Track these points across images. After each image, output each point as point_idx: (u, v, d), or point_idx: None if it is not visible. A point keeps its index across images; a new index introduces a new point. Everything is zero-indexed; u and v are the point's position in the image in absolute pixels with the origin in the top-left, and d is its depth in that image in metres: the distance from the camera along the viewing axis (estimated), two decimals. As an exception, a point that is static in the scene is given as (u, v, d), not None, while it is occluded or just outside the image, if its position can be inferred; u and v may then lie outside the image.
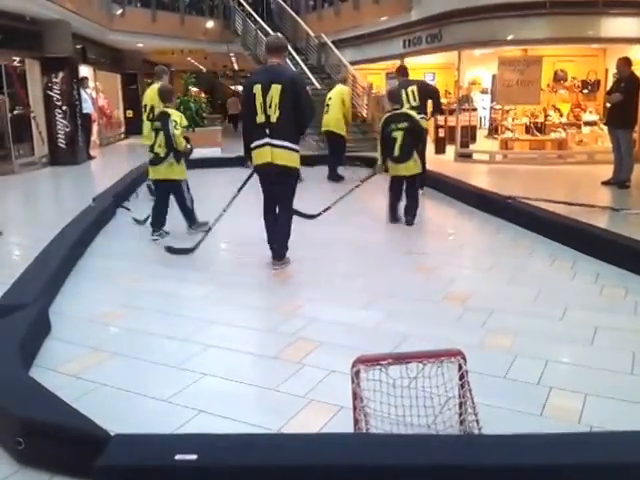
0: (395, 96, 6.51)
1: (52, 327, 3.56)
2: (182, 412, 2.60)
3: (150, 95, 6.85)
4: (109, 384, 2.87)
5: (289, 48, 8.72)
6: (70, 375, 2.97)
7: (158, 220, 5.86)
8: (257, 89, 4.51)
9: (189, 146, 5.75)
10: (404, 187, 6.34)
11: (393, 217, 6.37)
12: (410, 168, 6.20)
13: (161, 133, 5.63)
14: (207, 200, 6.75)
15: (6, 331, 3.15)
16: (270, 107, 4.47)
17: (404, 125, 6.07)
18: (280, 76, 4.54)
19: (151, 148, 5.74)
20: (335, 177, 9.54)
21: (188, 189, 5.95)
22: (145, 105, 6.98)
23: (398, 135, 6.07)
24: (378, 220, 6.42)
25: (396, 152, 6.11)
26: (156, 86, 6.66)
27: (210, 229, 5.50)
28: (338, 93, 9.57)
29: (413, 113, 6.44)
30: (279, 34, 5.31)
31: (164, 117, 5.68)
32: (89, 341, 3.39)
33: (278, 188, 4.75)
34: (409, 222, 6.25)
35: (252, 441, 2.18)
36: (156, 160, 5.70)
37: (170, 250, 5.26)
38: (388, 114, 6.30)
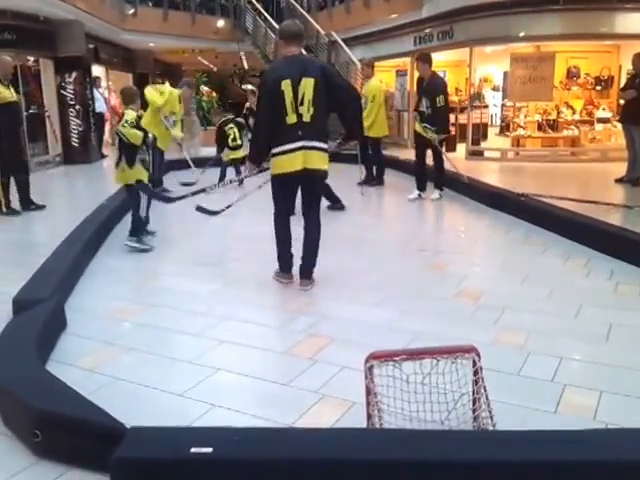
0: None
1: (68, 322, 3.60)
2: (196, 406, 2.62)
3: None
4: (124, 378, 2.90)
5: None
6: (86, 369, 3.00)
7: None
8: (286, 85, 3.87)
9: None
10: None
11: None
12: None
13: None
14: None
15: (23, 326, 3.20)
16: (302, 104, 3.90)
17: None
18: (311, 68, 3.98)
19: None
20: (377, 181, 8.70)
21: None
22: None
23: None
24: (380, 219, 6.40)
25: None
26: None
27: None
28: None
29: None
30: (295, 20, 4.67)
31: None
32: (104, 336, 3.43)
33: (310, 194, 4.24)
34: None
35: (266, 435, 2.20)
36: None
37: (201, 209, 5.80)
38: None
